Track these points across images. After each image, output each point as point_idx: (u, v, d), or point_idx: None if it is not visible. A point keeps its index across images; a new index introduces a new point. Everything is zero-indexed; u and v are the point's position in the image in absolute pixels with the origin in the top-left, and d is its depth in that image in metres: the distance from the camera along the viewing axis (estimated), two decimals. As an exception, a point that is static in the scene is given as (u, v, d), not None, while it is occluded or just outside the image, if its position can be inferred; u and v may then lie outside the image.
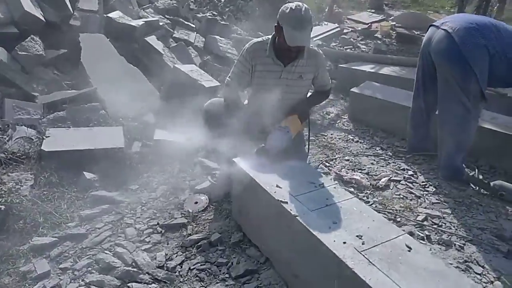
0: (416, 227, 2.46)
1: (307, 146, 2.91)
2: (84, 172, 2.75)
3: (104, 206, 2.55)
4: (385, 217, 2.51)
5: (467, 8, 8.61)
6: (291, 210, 1.89)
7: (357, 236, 1.74)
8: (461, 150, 2.88)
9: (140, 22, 4.44)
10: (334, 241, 1.70)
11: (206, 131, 2.66)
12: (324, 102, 3.28)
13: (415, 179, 3.00)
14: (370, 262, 1.60)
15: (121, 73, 3.79)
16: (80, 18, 4.36)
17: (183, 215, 2.51)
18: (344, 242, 1.69)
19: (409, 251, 1.68)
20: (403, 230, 2.38)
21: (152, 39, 4.32)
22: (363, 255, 1.63)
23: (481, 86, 2.67)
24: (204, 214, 2.53)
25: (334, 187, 2.11)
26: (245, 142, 3.27)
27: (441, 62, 2.80)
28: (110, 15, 4.34)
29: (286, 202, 1.94)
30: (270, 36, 2.46)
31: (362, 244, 1.69)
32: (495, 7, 7.74)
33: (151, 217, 2.50)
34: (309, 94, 2.74)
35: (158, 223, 2.43)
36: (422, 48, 3.04)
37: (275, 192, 2.02)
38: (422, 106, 3.16)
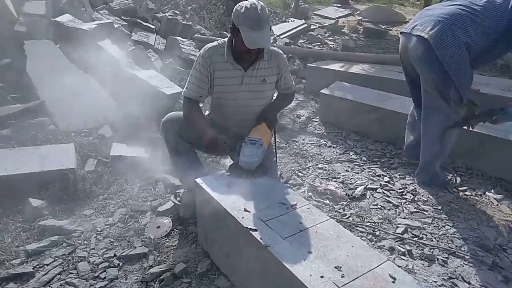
0: (397, 241, 2.31)
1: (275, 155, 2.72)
2: (30, 199, 2.45)
3: (53, 238, 2.26)
4: (364, 231, 2.38)
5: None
6: (261, 239, 1.68)
7: (335, 267, 1.54)
8: (440, 157, 2.77)
9: (92, 25, 4.10)
10: (311, 275, 1.50)
11: (166, 150, 2.43)
12: (290, 104, 3.10)
13: (391, 186, 2.86)
14: (352, 299, 1.42)
15: (72, 82, 3.45)
16: (25, 24, 3.99)
17: (143, 243, 2.26)
18: (322, 276, 1.50)
19: (393, 282, 1.50)
20: (383, 246, 2.26)
21: (106, 43, 4.00)
22: (344, 291, 1.45)
23: (460, 92, 2.52)
24: (167, 240, 2.29)
25: (308, 208, 1.91)
26: (210, 159, 3.07)
27: (420, 68, 2.64)
28: (58, 19, 3.99)
29: (256, 230, 1.73)
30: (225, 40, 2.24)
31: (342, 277, 1.50)
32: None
33: (108, 247, 2.24)
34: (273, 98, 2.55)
35: (115, 255, 2.16)
36: (400, 56, 2.86)
37: (243, 217, 1.80)
38: (413, 110, 3.00)
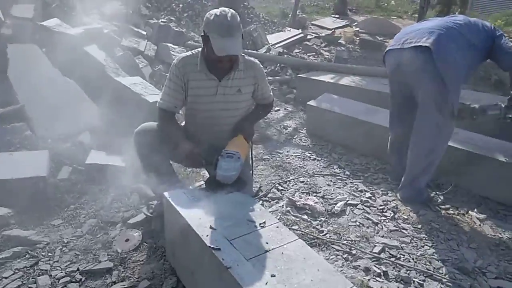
0: (373, 261, 2.23)
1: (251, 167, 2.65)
2: (-3, 207, 2.38)
3: (16, 249, 2.17)
4: (340, 250, 2.31)
5: (428, 14, 8.64)
6: (223, 259, 1.60)
7: (297, 292, 1.47)
8: (428, 173, 2.71)
9: (79, 30, 4.05)
10: (270, 301, 1.43)
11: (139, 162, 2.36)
12: (278, 115, 3.04)
13: (372, 202, 2.79)
14: (311, 328, 1.34)
15: (54, 87, 3.39)
16: (12, 27, 3.95)
17: (109, 257, 2.18)
18: (282, 302, 1.42)
19: (357, 309, 1.43)
20: (359, 266, 2.18)
21: (92, 49, 3.94)
22: (303, 319, 1.37)
23: (452, 101, 2.52)
24: (135, 255, 2.21)
25: (277, 226, 1.83)
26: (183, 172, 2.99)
27: (419, 79, 2.58)
28: (45, 23, 3.94)
29: (219, 249, 1.65)
30: (199, 49, 2.19)
31: (303, 303, 1.43)
32: (457, 13, 7.80)
33: (72, 260, 2.15)
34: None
35: (78, 269, 2.08)
36: (390, 75, 2.81)
37: (207, 235, 1.73)
38: (402, 133, 2.90)
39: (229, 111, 2.29)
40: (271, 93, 2.49)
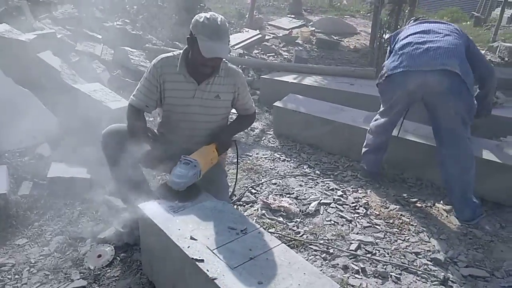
0: (350, 259, 2.27)
1: (230, 177, 2.62)
2: (-47, 230, 2.20)
3: (-22, 274, 2.03)
4: (318, 250, 2.33)
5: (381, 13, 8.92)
6: (208, 270, 1.56)
7: (286, 298, 1.46)
8: (472, 184, 2.64)
9: (31, 36, 3.83)
10: (260, 309, 1.41)
11: (107, 167, 2.27)
12: (250, 126, 3.04)
13: (344, 200, 2.84)
14: (303, 334, 1.33)
15: (7, 97, 3.18)
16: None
17: (82, 274, 2.07)
18: (272, 309, 1.41)
19: (346, 310, 1.44)
20: (337, 264, 2.21)
21: (46, 55, 3.74)
22: (295, 325, 1.36)
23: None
24: (109, 270, 2.11)
25: (259, 232, 1.82)
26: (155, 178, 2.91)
27: (447, 99, 2.59)
28: (-8, 29, 3.70)
29: (202, 261, 1.61)
30: (181, 51, 2.16)
31: (293, 308, 1.42)
32: (407, 11, 8.09)
33: (42, 281, 2.03)
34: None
35: (49, 290, 1.97)
36: (407, 94, 2.69)
37: (188, 247, 1.68)
38: (389, 136, 2.98)
39: (205, 116, 2.25)
40: (253, 104, 2.47)
